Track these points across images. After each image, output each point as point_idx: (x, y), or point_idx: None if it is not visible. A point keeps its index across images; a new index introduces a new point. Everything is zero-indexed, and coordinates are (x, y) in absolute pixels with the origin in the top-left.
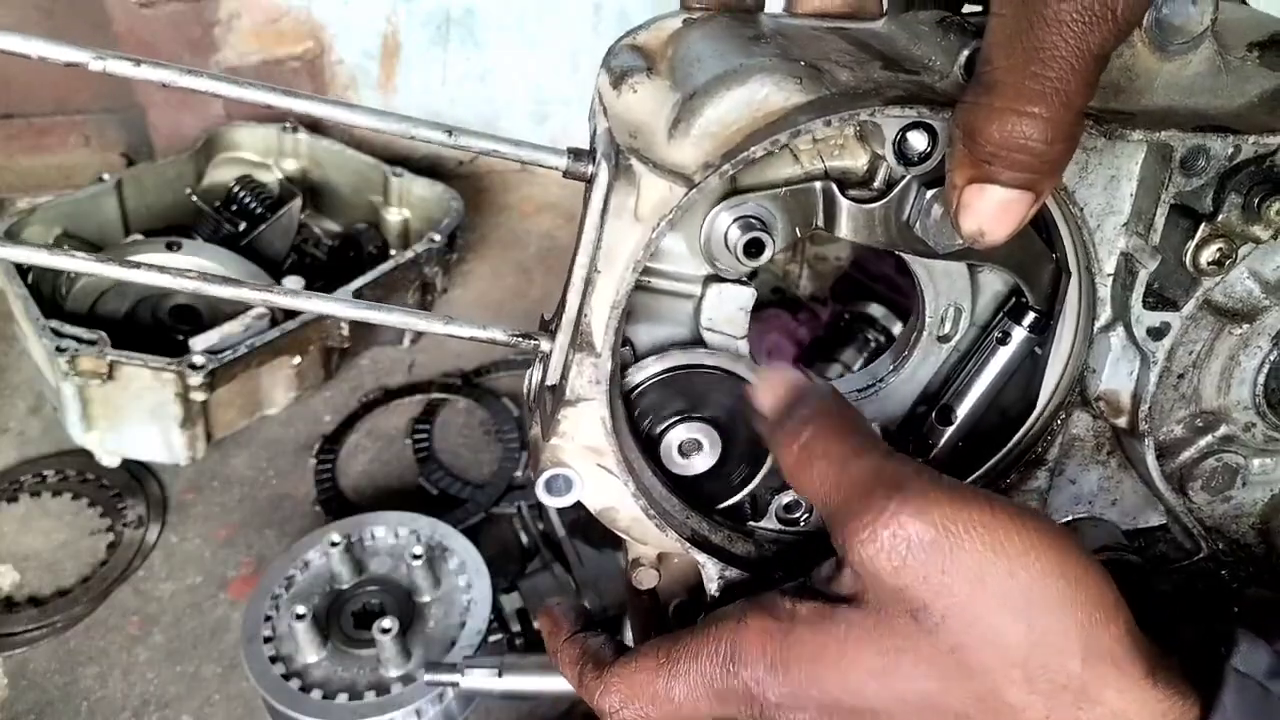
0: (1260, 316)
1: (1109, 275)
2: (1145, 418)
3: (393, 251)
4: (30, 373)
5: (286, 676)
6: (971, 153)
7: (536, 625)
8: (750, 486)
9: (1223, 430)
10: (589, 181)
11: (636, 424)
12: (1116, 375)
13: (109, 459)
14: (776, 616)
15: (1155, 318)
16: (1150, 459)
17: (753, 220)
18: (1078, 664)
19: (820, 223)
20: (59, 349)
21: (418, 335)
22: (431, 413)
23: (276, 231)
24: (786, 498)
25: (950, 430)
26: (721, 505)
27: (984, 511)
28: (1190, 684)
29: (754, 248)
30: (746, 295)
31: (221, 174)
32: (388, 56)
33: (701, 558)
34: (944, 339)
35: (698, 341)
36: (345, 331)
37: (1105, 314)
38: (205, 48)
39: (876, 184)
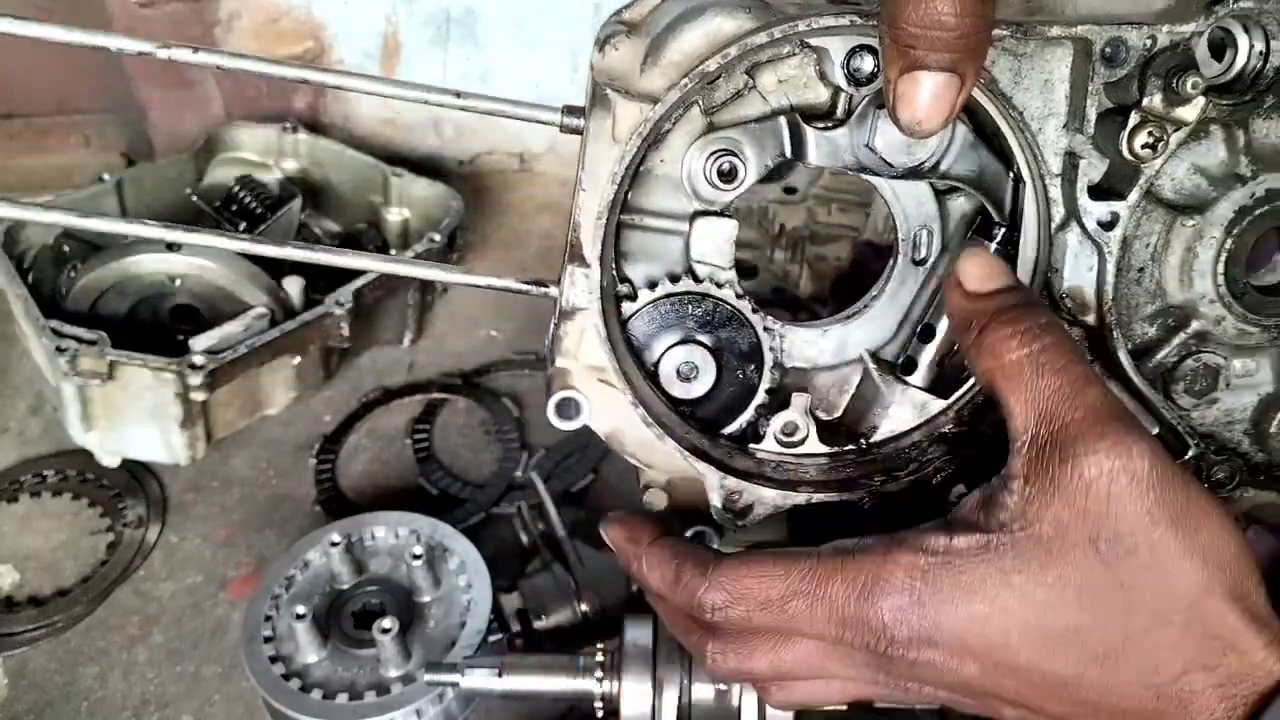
0: (1210, 208)
1: (1056, 175)
2: (1109, 309)
3: (393, 251)
4: (30, 373)
5: (286, 676)
6: (896, 42)
7: (607, 537)
8: (748, 412)
9: (1194, 326)
10: (582, 134)
11: (639, 355)
12: (1077, 271)
13: (109, 459)
14: (929, 550)
15: (1103, 208)
16: (1122, 353)
17: (725, 150)
18: (1234, 618)
19: (789, 152)
20: (59, 349)
21: (417, 335)
22: (431, 413)
23: (276, 231)
24: (782, 420)
25: (932, 346)
26: (725, 430)
27: (1180, 467)
28: None
29: (729, 173)
30: (730, 226)
31: (221, 174)
32: (388, 56)
33: (701, 467)
34: (919, 262)
35: (688, 273)
36: (345, 331)
37: (1059, 214)
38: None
39: (838, 113)
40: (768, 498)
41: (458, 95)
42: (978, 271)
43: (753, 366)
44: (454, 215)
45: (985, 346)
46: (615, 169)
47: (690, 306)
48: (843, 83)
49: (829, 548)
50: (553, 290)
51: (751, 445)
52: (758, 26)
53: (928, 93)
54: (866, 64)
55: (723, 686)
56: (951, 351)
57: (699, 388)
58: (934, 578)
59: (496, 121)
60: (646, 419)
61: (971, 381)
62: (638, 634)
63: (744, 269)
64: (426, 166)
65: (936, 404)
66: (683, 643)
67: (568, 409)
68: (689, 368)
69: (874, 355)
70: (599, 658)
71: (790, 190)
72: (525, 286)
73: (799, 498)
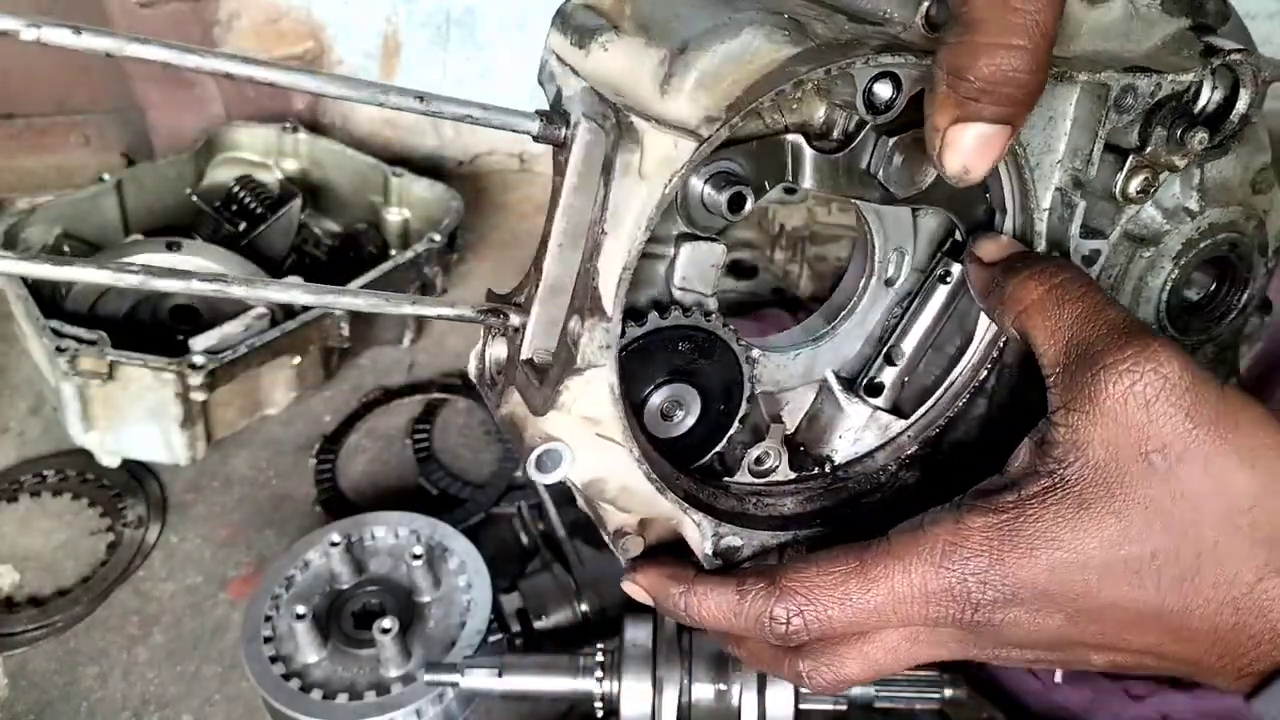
0: (1163, 240)
1: (1045, 210)
2: None
3: (393, 251)
4: (30, 373)
5: (286, 676)
6: (956, 92)
7: (630, 593)
8: (722, 443)
9: None
10: (561, 145)
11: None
12: None
13: (109, 459)
14: (999, 508)
15: (1088, 246)
16: None
17: (729, 175)
18: None
19: (790, 175)
20: (59, 349)
21: (417, 335)
22: (431, 413)
23: (276, 231)
24: (757, 451)
25: (897, 369)
26: (696, 464)
27: (1210, 372)
28: None
29: (737, 201)
30: (719, 251)
31: (221, 174)
32: (388, 56)
33: (697, 516)
34: (889, 282)
35: (672, 303)
36: (345, 331)
37: (1041, 246)
38: (205, 48)
39: (835, 135)
40: (756, 539)
41: (420, 99)
42: (992, 246)
43: (731, 397)
44: (454, 215)
45: (1008, 298)
46: (647, 212)
47: (679, 341)
48: (860, 107)
49: (896, 530)
50: (515, 318)
51: (725, 478)
52: (798, 53)
53: (981, 142)
54: (885, 91)
55: (722, 686)
56: (913, 371)
57: (682, 425)
58: (1009, 533)
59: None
60: (650, 475)
61: (931, 401)
62: (638, 634)
63: (744, 269)
64: (426, 166)
65: (898, 424)
66: (770, 673)
67: (548, 462)
68: (672, 405)
69: (838, 376)
70: (599, 658)
71: (790, 190)
72: (480, 316)
73: (785, 535)
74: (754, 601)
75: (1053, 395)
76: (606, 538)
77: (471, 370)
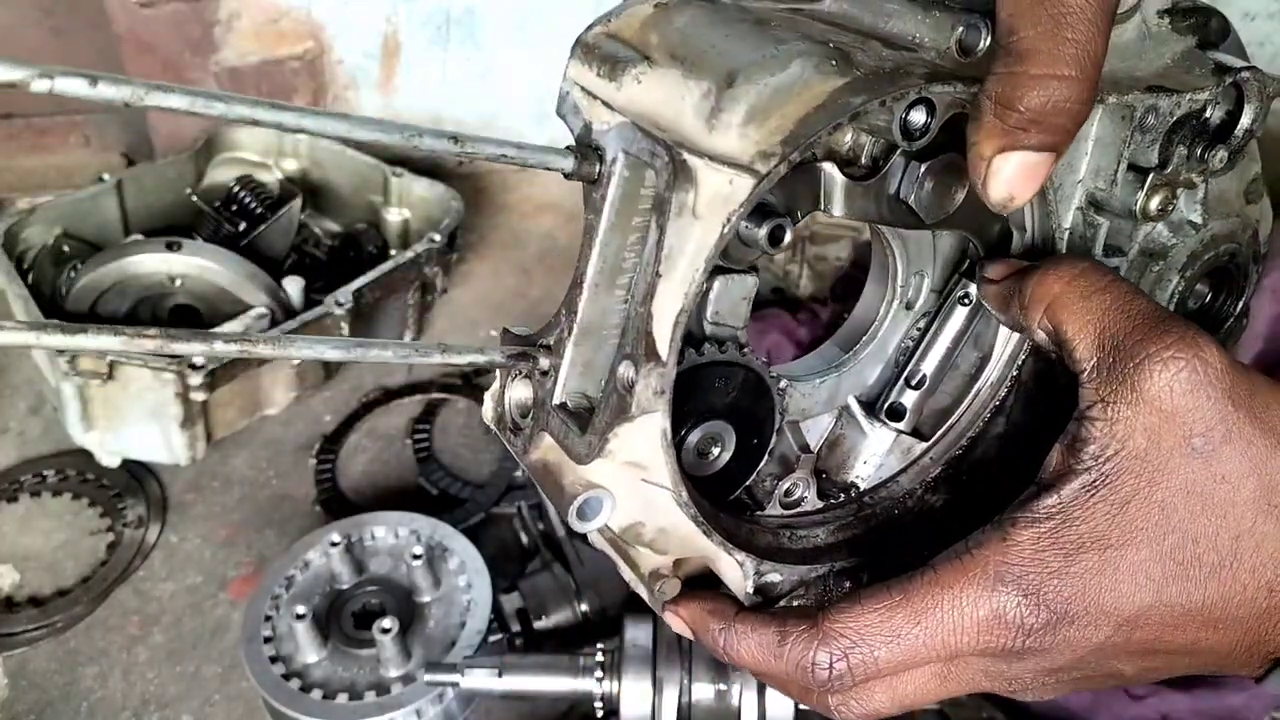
0: (1169, 253)
1: (1066, 230)
2: None
3: (393, 251)
4: (30, 373)
5: (286, 676)
6: (1004, 121)
7: (672, 624)
8: (752, 476)
9: None
10: (594, 182)
11: None
12: None
13: (109, 459)
14: (1042, 517)
15: (1109, 264)
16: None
17: (763, 207)
18: None
19: (823, 204)
20: (59, 349)
21: (417, 335)
22: (431, 413)
23: (276, 231)
24: (787, 484)
25: (919, 392)
26: (728, 500)
27: (1236, 359)
28: None
29: (777, 235)
30: (751, 283)
31: (221, 174)
32: (388, 56)
33: (740, 556)
34: (909, 305)
35: (704, 338)
36: (345, 331)
37: None
38: (205, 48)
39: (862, 161)
40: (794, 574)
41: (455, 140)
42: (1001, 266)
43: (764, 431)
44: (454, 215)
45: (1031, 299)
46: (705, 253)
47: (715, 378)
48: (896, 134)
49: (940, 558)
50: (544, 361)
51: (755, 513)
52: (847, 83)
53: (1026, 171)
54: (920, 117)
55: (722, 686)
56: (932, 393)
57: (718, 463)
58: (1058, 539)
59: (496, 121)
60: (697, 517)
61: (951, 422)
62: (638, 634)
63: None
64: (426, 166)
65: (920, 446)
66: (798, 701)
67: (589, 510)
68: (708, 443)
69: (859, 401)
70: (599, 658)
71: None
72: (510, 362)
73: (821, 568)
74: (794, 646)
75: (1087, 390)
76: (636, 581)
77: (488, 413)
